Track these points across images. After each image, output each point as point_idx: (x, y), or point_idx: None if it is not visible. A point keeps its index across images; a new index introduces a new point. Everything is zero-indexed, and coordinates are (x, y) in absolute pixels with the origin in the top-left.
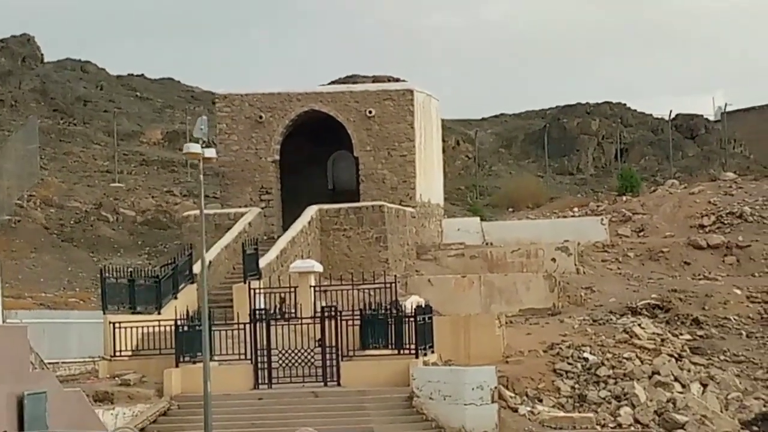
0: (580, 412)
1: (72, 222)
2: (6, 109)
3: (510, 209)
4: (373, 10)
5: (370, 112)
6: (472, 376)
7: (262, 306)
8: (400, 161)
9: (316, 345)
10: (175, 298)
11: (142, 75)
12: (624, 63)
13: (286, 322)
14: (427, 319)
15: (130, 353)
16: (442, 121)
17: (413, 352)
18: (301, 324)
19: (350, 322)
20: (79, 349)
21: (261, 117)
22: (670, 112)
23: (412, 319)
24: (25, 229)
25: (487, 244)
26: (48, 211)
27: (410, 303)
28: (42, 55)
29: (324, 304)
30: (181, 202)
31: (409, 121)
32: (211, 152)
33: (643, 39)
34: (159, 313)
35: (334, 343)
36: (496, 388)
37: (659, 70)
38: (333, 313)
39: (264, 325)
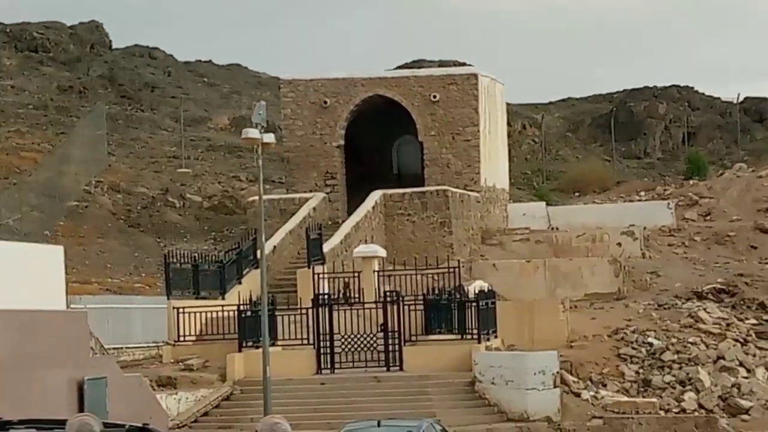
0: (644, 397)
1: (139, 208)
2: (75, 96)
3: (576, 194)
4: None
5: (434, 96)
6: (534, 360)
7: (326, 291)
8: (464, 146)
9: (379, 330)
10: (240, 283)
11: (210, 61)
12: (693, 46)
13: (349, 307)
14: (489, 304)
15: (194, 338)
16: (509, 105)
17: (476, 337)
18: (364, 309)
19: (413, 308)
20: (143, 335)
21: (326, 102)
22: (738, 95)
23: (474, 304)
24: (93, 215)
25: (552, 228)
26: (115, 196)
27: (474, 288)
28: (110, 41)
29: (388, 289)
30: (248, 188)
31: (473, 105)
32: (270, 137)
33: (713, 21)
34: (223, 299)
35: (396, 328)
36: (558, 372)
37: (729, 54)
38: (396, 298)
39: (326, 310)
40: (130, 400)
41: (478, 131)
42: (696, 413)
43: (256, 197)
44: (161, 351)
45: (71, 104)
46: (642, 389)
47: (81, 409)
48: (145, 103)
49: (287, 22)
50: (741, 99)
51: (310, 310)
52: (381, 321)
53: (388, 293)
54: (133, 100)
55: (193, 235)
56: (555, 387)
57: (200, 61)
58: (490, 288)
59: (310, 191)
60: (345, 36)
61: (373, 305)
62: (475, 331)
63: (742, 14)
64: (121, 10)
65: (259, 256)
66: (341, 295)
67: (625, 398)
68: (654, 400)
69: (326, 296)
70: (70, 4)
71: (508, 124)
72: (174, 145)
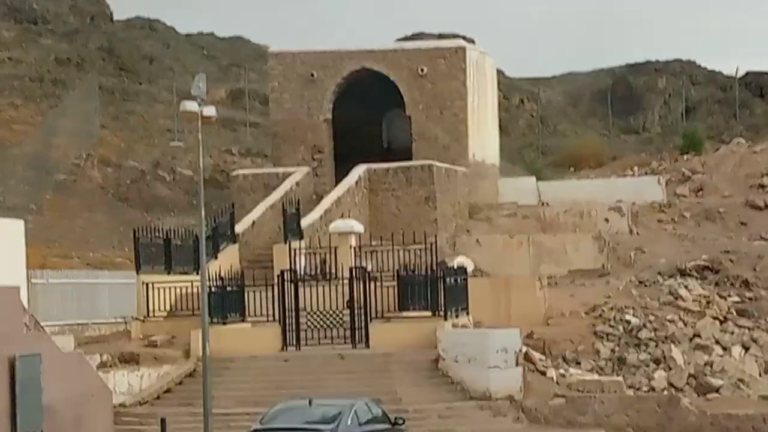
0: (618, 375)
1: (128, 182)
2: (72, 68)
3: (571, 169)
4: None
5: (422, 70)
6: (497, 338)
7: (303, 266)
8: (452, 120)
9: (345, 307)
10: (216, 258)
11: (212, 33)
12: (697, 20)
13: (315, 283)
14: (460, 280)
15: (164, 314)
16: (509, 79)
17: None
18: (330, 285)
19: (384, 284)
20: (111, 310)
21: (313, 75)
22: (737, 69)
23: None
24: (81, 189)
25: (542, 204)
26: (105, 170)
27: (457, 263)
28: (111, 13)
29: (370, 264)
30: (239, 161)
31: (461, 79)
32: (210, 110)
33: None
34: (197, 274)
35: (363, 305)
36: (520, 350)
37: (733, 28)
38: (362, 275)
39: (292, 286)
40: (67, 378)
41: (466, 105)
42: (665, 392)
43: (239, 171)
44: (129, 327)
45: (68, 77)
46: (617, 367)
47: (12, 388)
48: (143, 76)
49: None
50: (742, 73)
51: (275, 286)
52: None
53: (353, 269)
54: (130, 72)
55: (181, 209)
56: (517, 365)
57: (202, 33)
58: (464, 264)
59: (297, 165)
60: (347, 8)
61: (339, 282)
62: (450, 308)
63: None
64: None
65: (237, 230)
66: (318, 271)
67: (590, 377)
68: (619, 378)
69: (292, 272)
70: None
71: (506, 98)
72: (169, 119)
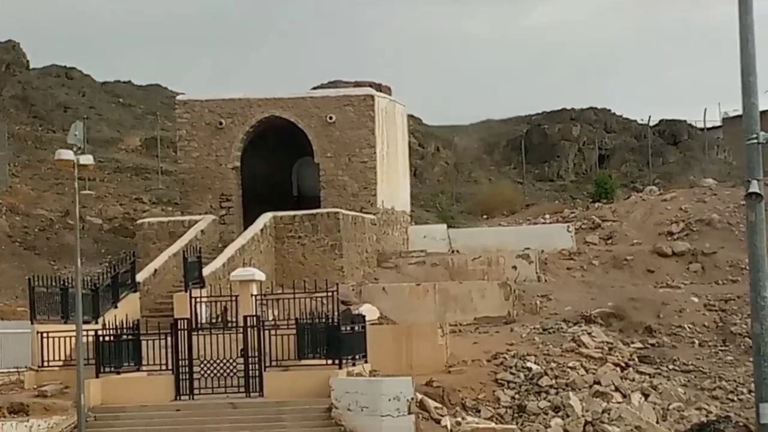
0: (518, 423)
1: (36, 230)
2: None
3: (484, 216)
4: (362, 17)
5: (330, 117)
6: (389, 386)
7: (204, 315)
8: (360, 168)
9: (239, 355)
10: (115, 307)
11: (129, 82)
12: (613, 70)
13: (209, 332)
14: (358, 328)
15: (60, 363)
16: (427, 127)
17: (341, 362)
18: (224, 334)
19: (288, 332)
20: (4, 360)
21: (221, 123)
22: (649, 117)
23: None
24: None
25: (453, 251)
26: (13, 218)
27: (362, 311)
28: (27, 61)
29: (273, 313)
30: (149, 210)
31: (369, 127)
32: (87, 159)
33: (646, 48)
34: (96, 323)
35: (257, 353)
36: (413, 399)
37: (648, 78)
38: (255, 323)
39: (185, 334)
40: None
41: (375, 153)
42: None
43: (145, 219)
44: (23, 377)
45: None
46: (517, 415)
47: None
48: (57, 124)
49: (212, 41)
50: (656, 122)
51: (168, 336)
52: (242, 346)
53: (248, 317)
54: (44, 120)
55: (89, 257)
56: (410, 413)
57: (119, 81)
58: (362, 312)
59: (206, 213)
60: (267, 56)
61: (233, 331)
62: (347, 356)
63: (659, 38)
64: (41, 30)
65: (138, 279)
66: (219, 319)
67: (484, 425)
68: (513, 426)
69: (186, 320)
70: None
71: (422, 146)
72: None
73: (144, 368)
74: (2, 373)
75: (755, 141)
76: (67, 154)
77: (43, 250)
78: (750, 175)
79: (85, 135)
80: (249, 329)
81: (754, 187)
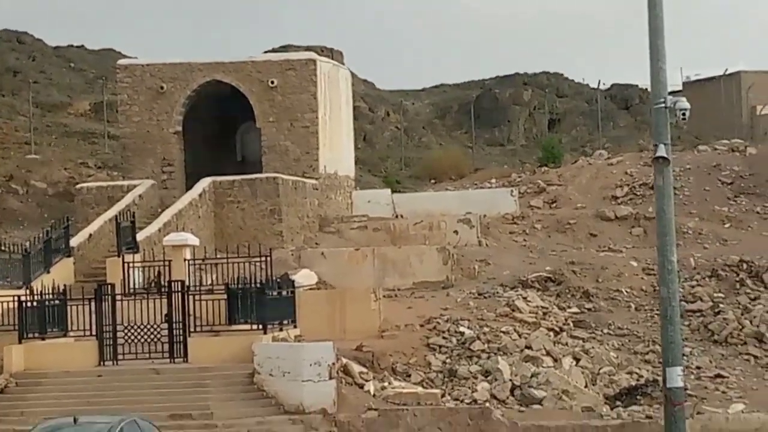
0: (448, 387)
1: None
2: None
3: (432, 181)
4: None
5: (272, 82)
6: (310, 352)
7: (138, 280)
8: (302, 132)
9: (163, 321)
10: (48, 272)
11: (82, 46)
12: (567, 33)
13: (134, 298)
14: (287, 293)
15: None
16: (379, 91)
17: (265, 327)
18: (151, 300)
19: (220, 297)
20: None
21: (162, 87)
22: (599, 81)
23: (274, 293)
24: None
25: (396, 216)
26: None
27: (300, 276)
28: None
29: (210, 278)
30: (95, 174)
31: (311, 91)
32: None
33: (605, 11)
34: (28, 288)
35: (181, 319)
36: (334, 364)
37: (607, 42)
38: (180, 288)
39: (109, 299)
40: None
41: (317, 118)
42: (487, 403)
43: (84, 184)
44: None
45: None
46: (447, 379)
47: None
48: (6, 88)
49: (162, 6)
50: (608, 86)
51: (92, 301)
52: (165, 311)
53: (171, 282)
54: None
55: (31, 222)
56: (330, 378)
57: (72, 46)
58: (286, 275)
59: (147, 178)
60: (222, 21)
61: (158, 295)
62: (273, 322)
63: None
64: None
65: (73, 244)
66: (152, 285)
67: (407, 390)
68: (436, 391)
69: (110, 285)
70: None
71: (371, 110)
72: (28, 131)
73: (71, 334)
74: None
75: (662, 105)
76: None
77: None
78: (657, 139)
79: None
80: (174, 294)
81: (661, 152)
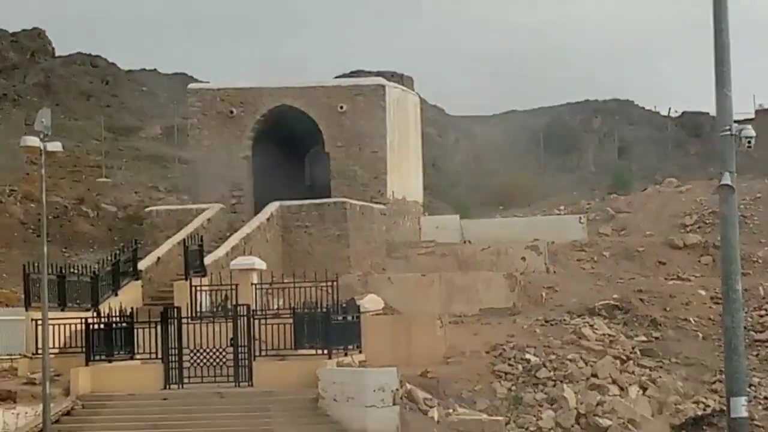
0: (513, 415)
1: (50, 217)
2: (9, 104)
3: (501, 207)
4: (388, 6)
5: (341, 107)
6: (374, 377)
7: (206, 304)
8: (371, 158)
9: (228, 344)
10: (116, 294)
11: (155, 70)
12: (638, 61)
13: (201, 321)
14: (352, 318)
15: (57, 351)
16: (448, 117)
17: (333, 352)
18: (216, 323)
19: (287, 321)
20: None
21: (232, 112)
22: (669, 109)
23: (340, 318)
24: (1, 224)
25: (464, 242)
26: (28, 206)
27: (366, 302)
28: (53, 49)
29: (279, 303)
30: (164, 198)
31: (380, 117)
32: (55, 146)
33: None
34: (96, 310)
35: (246, 343)
36: (397, 389)
37: (673, 69)
38: (246, 312)
39: (175, 323)
40: None
41: (386, 143)
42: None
43: (154, 208)
44: (16, 364)
45: (3, 112)
46: (513, 407)
47: None
48: (79, 112)
49: (236, 31)
50: (679, 113)
51: (158, 324)
52: (231, 335)
53: (236, 306)
54: (66, 108)
55: (101, 245)
56: (394, 404)
57: (144, 69)
58: (352, 300)
59: (216, 202)
60: (292, 45)
61: (223, 320)
62: (338, 347)
63: (687, 28)
64: (67, 17)
65: (140, 267)
66: (219, 308)
67: (471, 417)
68: (500, 418)
69: (176, 309)
70: (13, 11)
71: (440, 136)
72: (100, 155)
73: (137, 357)
74: None
75: (728, 133)
76: (32, 141)
77: (55, 237)
78: (722, 167)
79: (52, 122)
80: (240, 318)
81: (726, 180)
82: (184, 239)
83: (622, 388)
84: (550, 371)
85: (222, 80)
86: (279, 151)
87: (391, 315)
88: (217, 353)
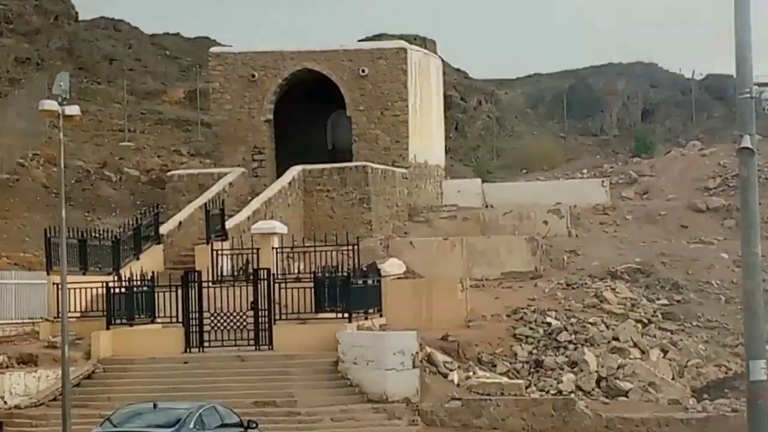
0: (534, 378)
1: (73, 181)
2: (32, 68)
3: (524, 171)
4: None
5: (363, 71)
6: (394, 340)
7: (227, 268)
8: (392, 121)
9: (249, 308)
10: (137, 259)
11: (178, 34)
12: (663, 23)
13: (221, 285)
14: (372, 282)
15: (78, 314)
16: (471, 80)
17: (352, 315)
18: (236, 287)
19: (308, 285)
20: (19, 311)
21: (254, 76)
22: (693, 71)
23: (360, 282)
24: (24, 188)
25: (486, 206)
26: (50, 169)
27: (388, 266)
28: (76, 13)
29: (298, 266)
30: (187, 162)
31: (402, 80)
32: (73, 110)
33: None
34: (117, 274)
35: (266, 306)
36: (417, 353)
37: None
38: (266, 276)
39: (196, 287)
40: None
41: (407, 106)
42: (573, 395)
43: (175, 172)
44: (38, 328)
45: (26, 76)
46: (533, 370)
47: None
48: (102, 76)
49: None
50: (703, 76)
51: (178, 288)
52: (251, 299)
53: (256, 270)
54: (89, 72)
55: (124, 209)
56: (414, 367)
57: (168, 33)
58: (372, 264)
59: (238, 166)
60: (315, 9)
61: (244, 283)
62: (359, 311)
63: None
64: None
65: (162, 231)
66: (241, 272)
67: (491, 379)
68: (521, 381)
69: (197, 272)
70: None
71: (463, 99)
72: (123, 119)
73: (158, 321)
74: (18, 323)
75: (747, 95)
76: (50, 105)
77: (77, 201)
78: (742, 129)
79: (75, 86)
80: (260, 282)
81: (746, 142)
82: (205, 203)
83: (643, 352)
84: (571, 334)
85: (244, 45)
86: (301, 115)
87: (413, 279)
88: (238, 317)
